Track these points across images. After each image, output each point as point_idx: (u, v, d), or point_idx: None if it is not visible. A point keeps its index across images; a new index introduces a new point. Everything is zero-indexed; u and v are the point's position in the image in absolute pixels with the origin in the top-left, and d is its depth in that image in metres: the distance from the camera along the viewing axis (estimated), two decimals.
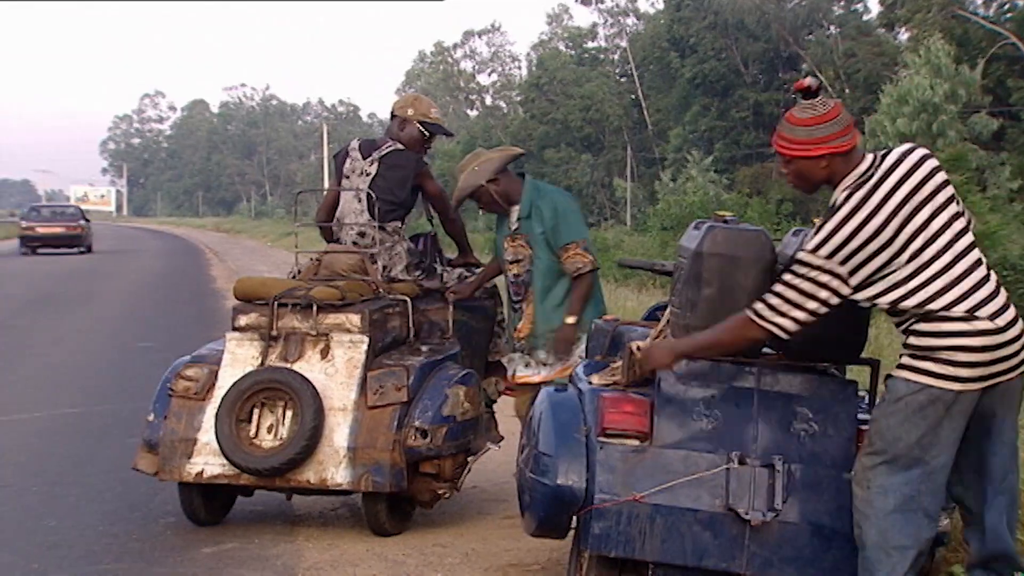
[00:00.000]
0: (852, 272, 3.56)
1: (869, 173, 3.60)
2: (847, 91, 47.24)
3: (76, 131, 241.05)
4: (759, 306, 3.67)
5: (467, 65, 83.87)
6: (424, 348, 5.73)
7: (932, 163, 3.63)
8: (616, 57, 70.02)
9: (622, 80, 66.79)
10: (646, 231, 36.88)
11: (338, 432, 5.28)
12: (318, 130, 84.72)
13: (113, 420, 8.09)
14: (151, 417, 5.50)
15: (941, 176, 3.62)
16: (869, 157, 3.65)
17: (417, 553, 5.23)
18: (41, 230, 34.92)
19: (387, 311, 5.64)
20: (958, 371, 3.49)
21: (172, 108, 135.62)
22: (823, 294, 3.59)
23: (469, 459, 5.65)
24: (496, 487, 6.30)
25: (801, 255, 3.61)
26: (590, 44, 71.99)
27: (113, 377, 10.24)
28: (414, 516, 5.71)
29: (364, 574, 4.93)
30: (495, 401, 6.28)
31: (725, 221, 4.04)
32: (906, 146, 3.69)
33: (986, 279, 3.54)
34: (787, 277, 3.63)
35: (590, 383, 4.18)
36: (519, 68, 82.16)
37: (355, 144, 6.10)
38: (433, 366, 5.56)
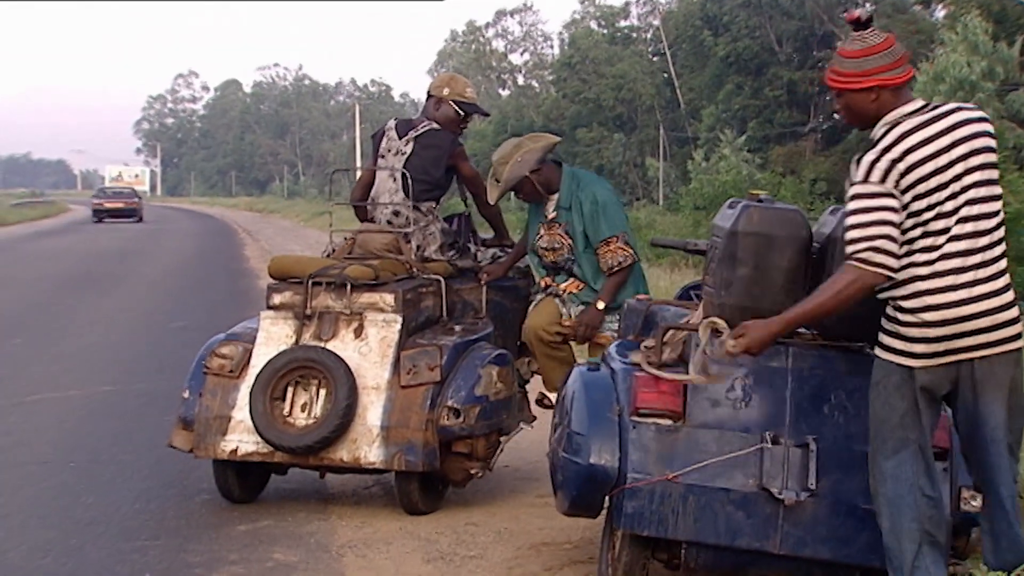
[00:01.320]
0: (904, 191, 3.47)
1: (917, 112, 3.53)
2: None
3: (110, 111, 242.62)
4: (857, 248, 3.46)
5: (499, 44, 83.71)
6: (457, 328, 5.73)
7: (983, 126, 3.54)
8: (649, 36, 69.60)
9: (655, 59, 66.41)
10: (679, 210, 36.76)
11: (371, 411, 5.30)
12: (350, 110, 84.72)
13: (148, 399, 8.15)
14: (186, 394, 5.55)
15: (986, 141, 3.53)
16: (920, 101, 3.57)
17: (450, 531, 5.25)
18: (107, 204, 46.00)
19: (421, 291, 5.66)
20: (914, 347, 3.47)
21: (205, 88, 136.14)
22: (894, 217, 3.46)
23: (502, 439, 5.66)
24: (529, 466, 6.31)
25: (853, 189, 3.50)
26: (623, 23, 71.58)
27: (148, 356, 10.32)
28: (447, 495, 5.73)
29: (397, 552, 4.95)
30: (528, 381, 6.28)
31: (760, 200, 4.02)
32: (963, 104, 3.62)
33: (969, 252, 3.46)
34: (854, 212, 3.47)
35: (624, 362, 4.17)
36: (551, 47, 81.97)
37: (391, 124, 6.11)
38: (466, 346, 5.56)
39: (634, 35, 70.49)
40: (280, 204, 71.15)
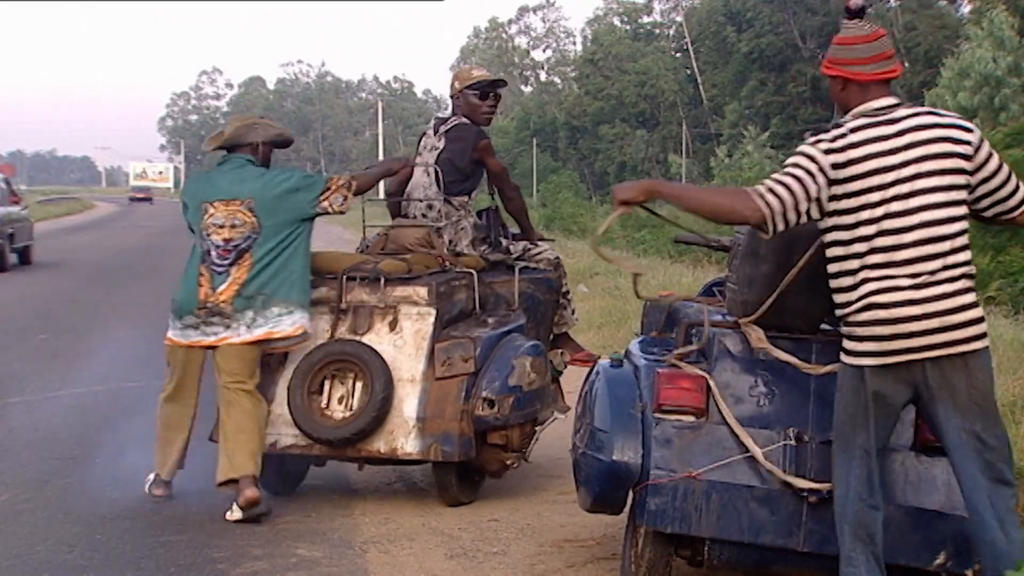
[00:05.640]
0: (832, 184, 3.50)
1: (884, 110, 3.55)
2: (907, 64, 46.57)
3: (135, 108, 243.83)
4: (759, 186, 3.58)
5: (522, 41, 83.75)
6: (490, 320, 5.82)
7: (946, 132, 3.51)
8: (672, 32, 69.54)
9: (677, 55, 66.31)
10: None
11: (407, 403, 5.39)
12: (373, 107, 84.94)
13: None
14: None
15: (944, 147, 3.49)
16: (892, 99, 3.58)
17: (472, 528, 5.26)
18: (139, 196, 77.92)
19: (453, 284, 5.74)
20: (865, 345, 3.47)
21: (229, 85, 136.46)
22: (808, 183, 3.50)
23: (537, 428, 5.73)
24: (551, 462, 6.31)
25: (803, 147, 3.57)
26: (645, 19, 71.56)
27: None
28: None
29: (420, 548, 4.96)
30: (561, 372, 6.36)
31: None
32: (937, 110, 3.62)
33: (933, 257, 3.44)
34: (786, 162, 3.59)
35: (646, 358, 4.17)
36: (574, 44, 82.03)
37: (432, 123, 6.32)
38: (499, 338, 5.65)
39: (657, 31, 70.44)
40: None
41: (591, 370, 4.46)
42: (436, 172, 5.99)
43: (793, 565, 3.89)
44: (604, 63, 63.93)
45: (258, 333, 5.40)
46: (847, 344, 3.55)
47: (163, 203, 74.13)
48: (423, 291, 5.54)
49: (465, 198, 6.11)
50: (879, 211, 3.46)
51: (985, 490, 3.49)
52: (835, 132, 3.55)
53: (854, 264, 3.51)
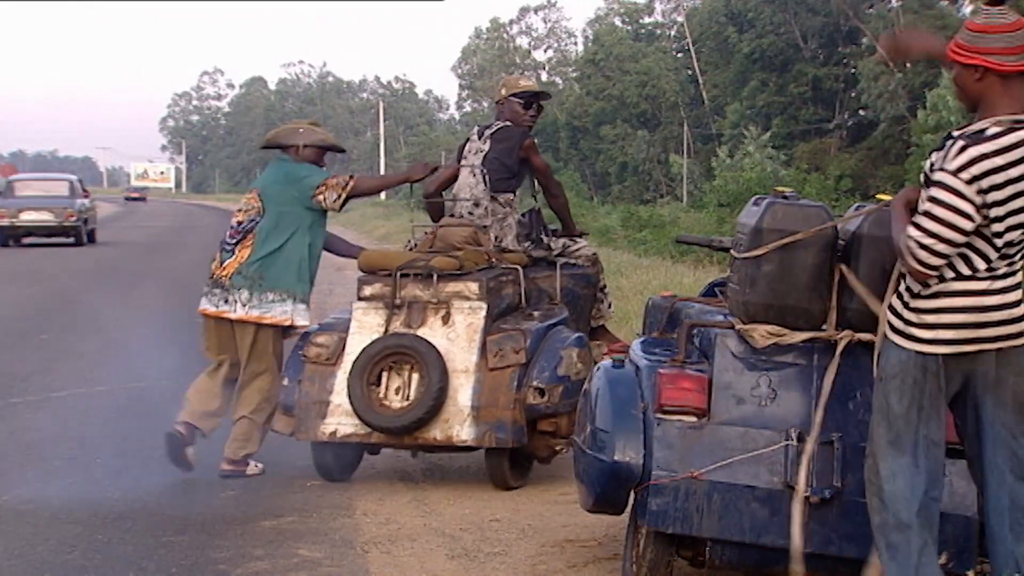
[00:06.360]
0: (987, 207, 3.35)
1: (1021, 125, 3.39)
2: (908, 65, 46.54)
3: (136, 109, 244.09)
4: (913, 233, 3.38)
5: (523, 41, 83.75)
6: (536, 313, 6.08)
7: None
8: (673, 32, 69.47)
9: (679, 56, 66.28)
10: (703, 207, 36.67)
11: (462, 392, 5.62)
12: (374, 107, 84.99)
13: (174, 395, 8.16)
14: (285, 381, 5.87)
15: None
16: None
17: (474, 528, 5.26)
18: (134, 195, 77.11)
19: (501, 279, 6.03)
20: (941, 333, 3.43)
21: (230, 85, 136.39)
22: (962, 223, 3.35)
23: None
24: (553, 462, 6.31)
25: (941, 176, 3.36)
26: (647, 19, 71.51)
27: (174, 352, 10.34)
28: (468, 491, 5.83)
29: (421, 549, 4.96)
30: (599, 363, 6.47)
31: (785, 197, 4.02)
32: None
33: (1011, 254, 3.45)
34: (934, 200, 3.35)
35: (648, 359, 4.17)
36: (575, 44, 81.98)
37: (475, 129, 6.73)
38: (547, 330, 5.90)
39: (658, 32, 70.41)
40: None
41: (592, 369, 4.47)
42: (483, 172, 6.36)
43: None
44: (605, 63, 63.86)
45: (253, 314, 5.94)
46: (912, 331, 3.46)
47: (164, 203, 74.45)
48: (474, 286, 5.81)
49: (511, 195, 6.49)
50: (1002, 226, 3.40)
51: (1008, 487, 3.49)
52: (991, 148, 3.35)
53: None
